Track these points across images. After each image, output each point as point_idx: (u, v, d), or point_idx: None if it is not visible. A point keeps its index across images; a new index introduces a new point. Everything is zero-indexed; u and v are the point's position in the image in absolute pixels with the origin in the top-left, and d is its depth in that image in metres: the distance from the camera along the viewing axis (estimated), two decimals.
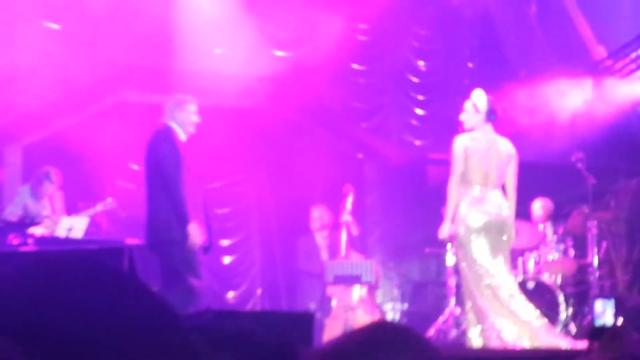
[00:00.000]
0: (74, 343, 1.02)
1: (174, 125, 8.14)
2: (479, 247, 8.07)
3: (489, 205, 8.17)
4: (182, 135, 8.13)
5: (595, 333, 3.62)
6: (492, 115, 8.37)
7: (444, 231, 8.19)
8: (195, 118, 8.25)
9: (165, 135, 8.05)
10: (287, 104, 12.31)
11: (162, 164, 7.94)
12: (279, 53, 12.70)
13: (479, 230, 8.06)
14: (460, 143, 8.25)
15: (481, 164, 8.23)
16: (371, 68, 13.32)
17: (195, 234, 7.78)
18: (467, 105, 8.38)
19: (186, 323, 1.19)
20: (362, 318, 10.52)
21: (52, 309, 1.05)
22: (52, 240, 9.80)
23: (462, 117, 8.40)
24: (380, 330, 1.63)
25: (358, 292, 11.06)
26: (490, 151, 8.31)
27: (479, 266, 8.06)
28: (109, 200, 10.71)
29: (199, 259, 8.04)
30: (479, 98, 8.34)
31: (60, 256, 1.14)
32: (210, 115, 12.07)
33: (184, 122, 8.17)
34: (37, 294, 1.07)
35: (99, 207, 10.61)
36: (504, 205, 8.25)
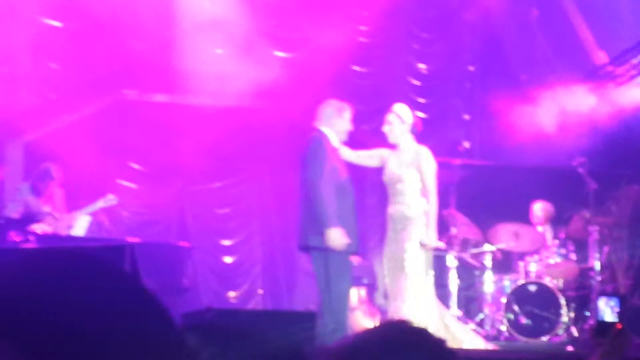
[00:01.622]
0: (68, 339, 1.01)
1: (327, 131, 8.15)
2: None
3: None
4: (335, 142, 8.15)
5: (601, 330, 3.60)
6: (415, 128, 8.55)
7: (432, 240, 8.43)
8: (350, 126, 8.27)
9: (315, 142, 8.08)
10: (288, 104, 12.29)
11: (305, 168, 8.02)
12: (279, 54, 12.69)
13: None
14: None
15: None
16: (372, 70, 13.31)
17: (336, 237, 7.77)
18: (391, 117, 8.50)
19: (187, 322, 1.19)
20: (362, 319, 10.51)
21: (48, 305, 1.04)
22: (54, 237, 9.76)
23: (386, 128, 8.52)
24: (397, 330, 1.61)
25: (357, 293, 11.05)
26: None
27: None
28: (110, 196, 10.66)
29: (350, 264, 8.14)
30: (403, 110, 8.52)
31: (59, 252, 1.12)
32: (211, 115, 12.12)
33: (340, 129, 8.21)
34: (32, 289, 1.05)
35: (100, 204, 10.56)
36: None
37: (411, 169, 8.40)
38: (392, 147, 8.60)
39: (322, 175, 7.87)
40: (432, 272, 8.55)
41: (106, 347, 1.02)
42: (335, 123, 8.21)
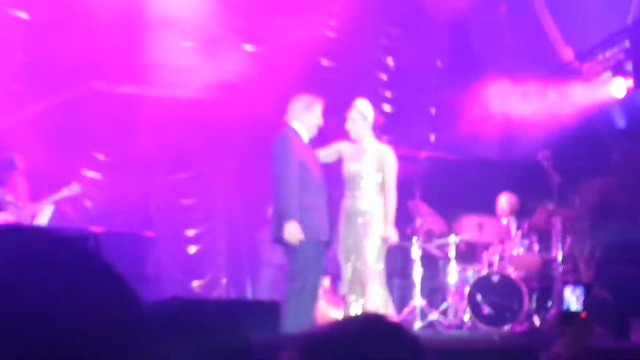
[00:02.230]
0: (35, 321, 0.99)
1: (297, 125, 8.21)
2: None
3: None
4: (305, 137, 8.20)
5: (565, 319, 3.62)
6: (375, 123, 8.67)
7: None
8: (320, 121, 8.32)
9: (283, 137, 8.16)
10: (254, 97, 12.27)
11: (272, 163, 8.13)
12: (248, 47, 12.68)
13: None
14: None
15: None
16: (340, 64, 13.32)
17: (291, 230, 7.87)
18: (353, 113, 8.58)
19: (151, 311, 1.16)
20: (325, 309, 10.49)
21: (12, 287, 1.01)
22: None
23: (348, 125, 8.61)
24: (373, 323, 1.60)
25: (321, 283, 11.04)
26: None
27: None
28: (74, 185, 10.60)
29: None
30: (365, 106, 8.59)
31: (24, 233, 1.10)
32: (177, 107, 12.09)
33: (309, 124, 8.26)
34: None
35: (64, 192, 10.49)
36: None
37: (372, 167, 8.45)
38: (352, 140, 8.61)
39: (288, 171, 7.96)
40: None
41: (74, 328, 1.00)
42: (304, 118, 8.26)
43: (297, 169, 7.99)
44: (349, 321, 1.62)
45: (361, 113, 8.55)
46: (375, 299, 8.29)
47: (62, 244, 1.08)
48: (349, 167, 8.54)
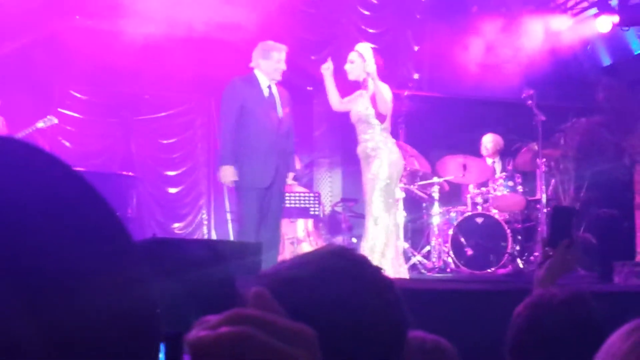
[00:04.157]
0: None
1: (257, 72, 8.33)
2: None
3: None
4: (264, 82, 8.29)
5: (551, 241, 3.53)
6: (376, 66, 8.52)
7: None
8: (281, 66, 8.35)
9: (230, 83, 8.37)
10: (234, 32, 12.07)
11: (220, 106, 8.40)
12: None
13: None
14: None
15: None
16: None
17: (225, 174, 8.08)
18: (353, 56, 8.53)
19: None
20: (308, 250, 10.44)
21: None
22: None
23: (348, 67, 8.54)
24: (332, 258, 1.55)
25: (304, 225, 11.01)
26: None
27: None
28: (49, 117, 10.41)
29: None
30: (365, 49, 8.56)
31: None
32: (159, 43, 11.88)
33: (267, 70, 8.31)
34: None
35: (39, 124, 10.32)
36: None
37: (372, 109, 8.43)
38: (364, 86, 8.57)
39: (224, 116, 8.25)
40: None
41: (45, 239, 0.91)
42: (262, 64, 8.32)
43: (233, 114, 8.15)
44: (309, 256, 1.58)
45: (361, 55, 8.48)
46: (368, 240, 8.27)
47: (17, 147, 0.98)
48: (355, 112, 8.51)
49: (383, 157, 8.26)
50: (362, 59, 8.43)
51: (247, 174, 8.09)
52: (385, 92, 8.33)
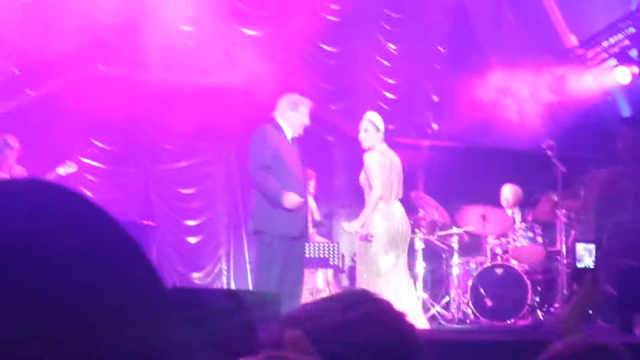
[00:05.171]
0: (28, 264, 0.94)
1: (282, 122, 8.36)
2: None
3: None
4: (289, 134, 8.34)
5: (578, 275, 3.52)
6: (386, 134, 8.81)
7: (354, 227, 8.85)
8: (305, 120, 8.42)
9: (260, 130, 8.33)
10: (255, 83, 12.14)
11: (249, 156, 8.33)
12: (248, 31, 12.53)
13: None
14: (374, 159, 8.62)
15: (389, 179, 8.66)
16: (341, 50, 13.18)
17: (290, 198, 8.05)
18: (366, 125, 8.70)
19: None
20: None
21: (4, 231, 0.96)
22: None
23: (362, 136, 8.71)
24: (356, 300, 1.58)
25: (324, 275, 10.98)
26: (393, 166, 8.72)
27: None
28: (69, 163, 10.42)
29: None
30: (376, 118, 8.74)
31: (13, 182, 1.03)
32: (178, 93, 11.96)
33: (293, 122, 8.37)
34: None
35: (59, 170, 10.33)
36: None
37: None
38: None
39: (262, 156, 8.16)
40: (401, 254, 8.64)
41: (71, 273, 0.95)
42: (289, 116, 8.38)
43: (268, 157, 8.14)
44: (334, 298, 1.60)
45: (373, 124, 8.66)
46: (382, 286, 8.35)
47: (48, 189, 1.04)
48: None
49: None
50: (376, 129, 8.61)
51: (279, 222, 8.07)
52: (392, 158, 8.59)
